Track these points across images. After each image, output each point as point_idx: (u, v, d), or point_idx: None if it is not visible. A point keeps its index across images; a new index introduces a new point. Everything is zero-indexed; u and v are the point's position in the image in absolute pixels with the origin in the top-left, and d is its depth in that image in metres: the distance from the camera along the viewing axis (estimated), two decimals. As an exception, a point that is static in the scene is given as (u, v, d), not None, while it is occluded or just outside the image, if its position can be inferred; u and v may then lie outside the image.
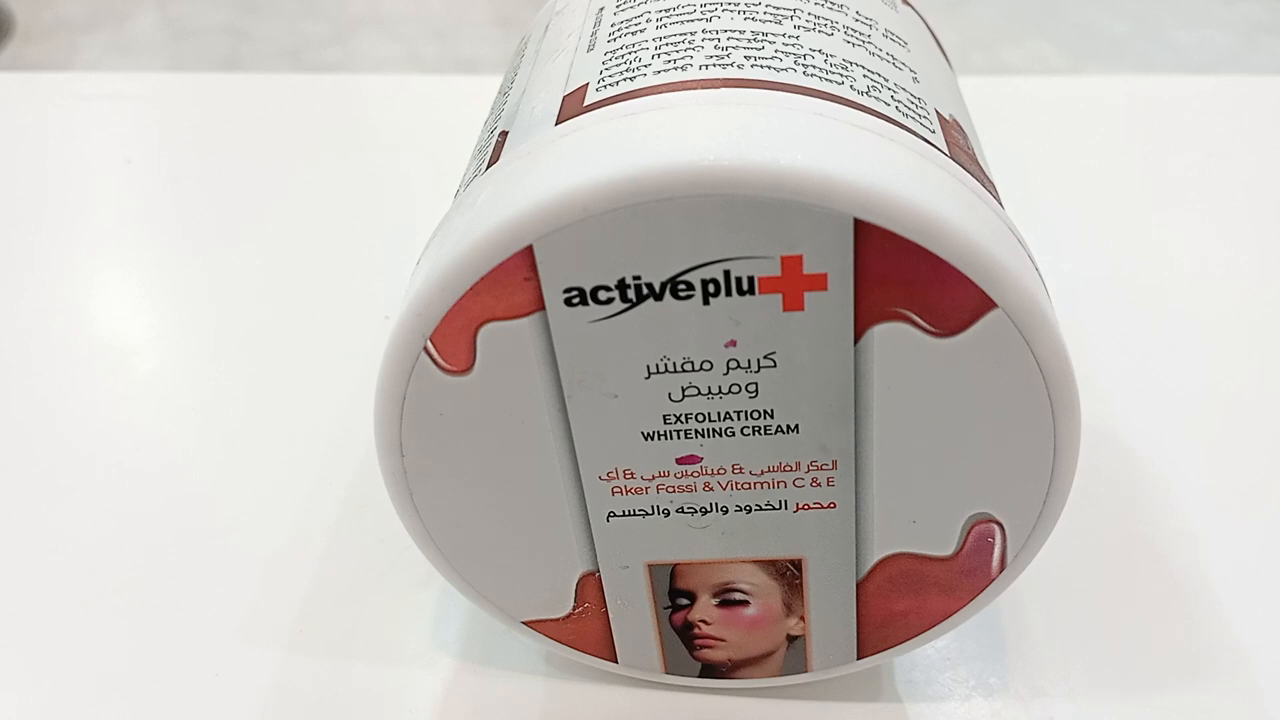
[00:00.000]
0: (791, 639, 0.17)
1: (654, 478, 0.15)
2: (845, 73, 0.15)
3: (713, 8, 0.16)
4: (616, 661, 0.18)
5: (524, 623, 0.18)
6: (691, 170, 0.13)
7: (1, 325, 0.28)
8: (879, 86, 0.15)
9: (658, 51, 0.16)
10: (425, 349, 0.14)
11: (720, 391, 0.15)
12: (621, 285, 0.14)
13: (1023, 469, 0.15)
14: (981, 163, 0.16)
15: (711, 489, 0.16)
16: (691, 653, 0.18)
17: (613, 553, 0.16)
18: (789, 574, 0.17)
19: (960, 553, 0.16)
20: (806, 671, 0.18)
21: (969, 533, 0.16)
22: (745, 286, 0.14)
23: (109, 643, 0.20)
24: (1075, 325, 0.27)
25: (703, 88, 0.14)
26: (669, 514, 0.16)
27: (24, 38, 1.43)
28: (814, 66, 0.15)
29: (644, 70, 0.15)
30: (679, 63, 0.15)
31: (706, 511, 0.16)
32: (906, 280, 0.13)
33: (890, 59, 0.16)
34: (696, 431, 0.15)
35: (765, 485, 0.16)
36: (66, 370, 0.26)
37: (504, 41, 1.42)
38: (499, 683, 0.19)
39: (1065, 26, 1.42)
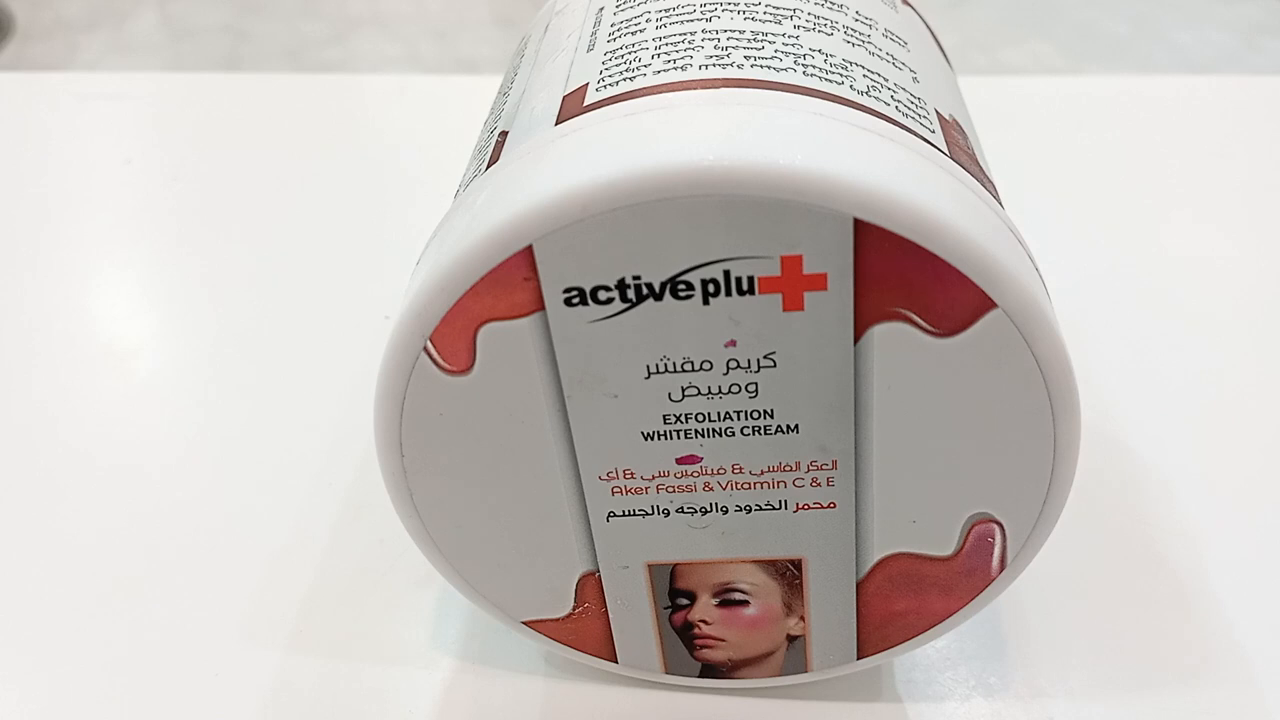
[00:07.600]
0: (791, 639, 0.17)
1: (654, 478, 0.15)
2: (845, 73, 0.15)
3: (712, 8, 0.16)
4: (616, 661, 0.18)
5: (524, 623, 0.18)
6: (691, 170, 0.13)
7: (1, 325, 0.28)
8: (879, 86, 0.15)
9: (657, 51, 0.16)
10: (425, 349, 0.14)
11: (720, 391, 0.15)
12: (621, 285, 0.14)
13: (1023, 469, 0.15)
14: (981, 163, 0.16)
15: (711, 489, 0.16)
16: (691, 653, 0.18)
17: (613, 553, 0.16)
18: (789, 574, 0.17)
19: (960, 553, 0.16)
20: (806, 671, 0.18)
21: (969, 533, 0.16)
22: (745, 286, 0.14)
23: (109, 642, 0.20)
24: (1075, 325, 0.27)
25: (703, 88, 0.14)
26: (669, 514, 0.16)
27: (24, 38, 1.43)
28: (814, 66, 0.15)
29: (644, 70, 0.15)
30: (679, 63, 0.15)
31: (706, 511, 0.16)
32: (906, 280, 0.13)
33: (890, 59, 0.16)
34: (696, 431, 0.15)
35: (765, 485, 0.16)
36: (67, 370, 0.26)
37: (504, 41, 1.42)
38: (499, 683, 0.19)
39: (1065, 26, 1.42)
